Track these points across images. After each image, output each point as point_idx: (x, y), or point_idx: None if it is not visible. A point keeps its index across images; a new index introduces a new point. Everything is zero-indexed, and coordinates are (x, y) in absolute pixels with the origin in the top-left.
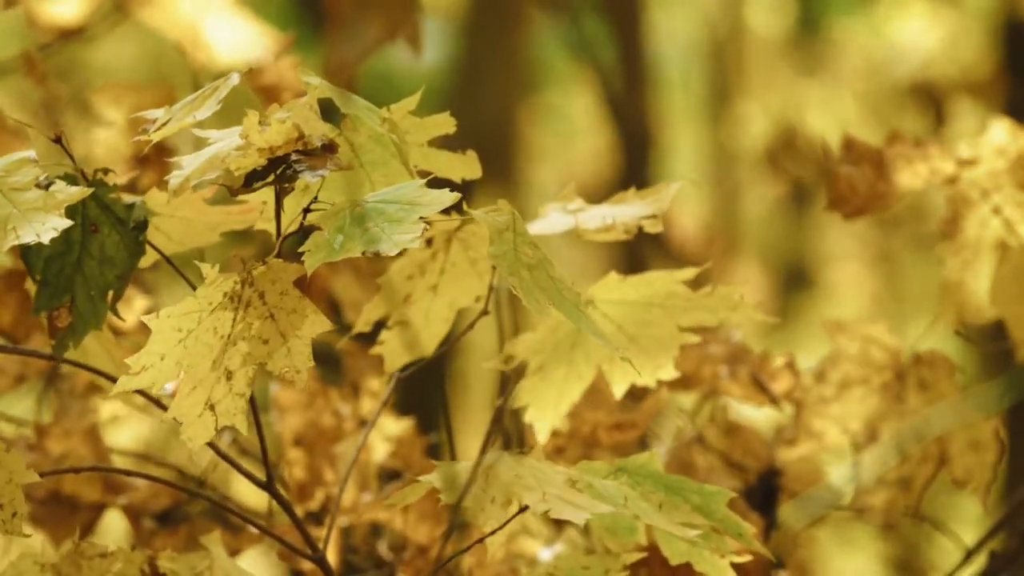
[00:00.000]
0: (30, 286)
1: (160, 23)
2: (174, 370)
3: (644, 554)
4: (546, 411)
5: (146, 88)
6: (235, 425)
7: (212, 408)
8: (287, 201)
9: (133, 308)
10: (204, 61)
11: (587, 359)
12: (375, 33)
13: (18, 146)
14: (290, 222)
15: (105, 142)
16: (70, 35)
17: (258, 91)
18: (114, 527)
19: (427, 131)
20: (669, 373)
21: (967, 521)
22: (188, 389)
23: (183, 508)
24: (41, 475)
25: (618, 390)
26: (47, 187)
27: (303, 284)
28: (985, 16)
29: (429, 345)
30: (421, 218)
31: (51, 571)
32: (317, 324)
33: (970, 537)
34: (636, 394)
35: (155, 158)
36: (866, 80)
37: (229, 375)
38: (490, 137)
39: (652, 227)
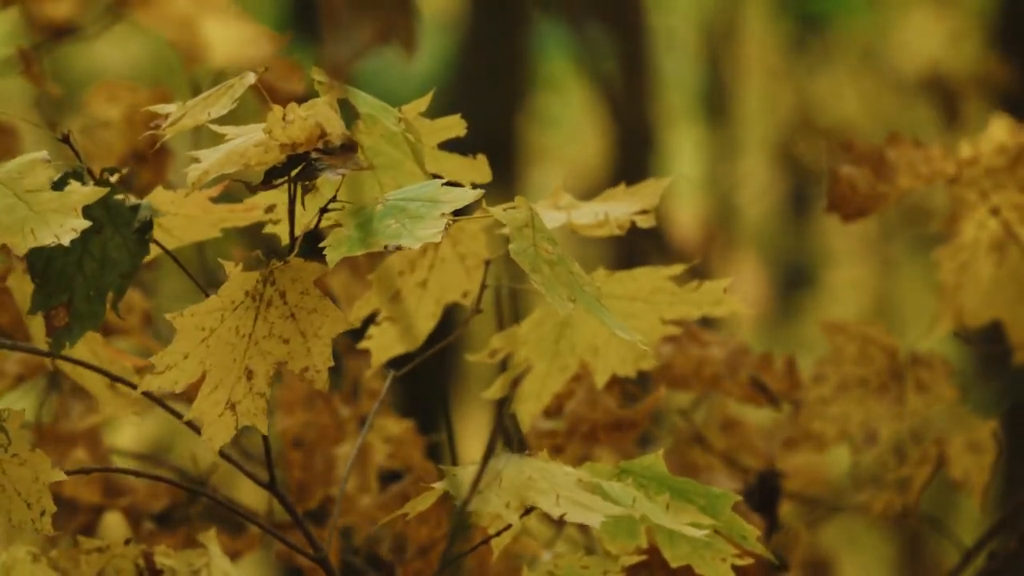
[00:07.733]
0: (19, 285)
1: (155, 23)
2: (197, 369)
3: (644, 556)
4: (528, 402)
5: (143, 87)
6: (255, 425)
7: (233, 408)
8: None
9: (133, 309)
10: (199, 61)
11: (571, 351)
12: (368, 34)
13: (12, 144)
14: (305, 223)
15: (101, 141)
16: (64, 33)
17: (251, 90)
18: (113, 530)
19: (437, 134)
20: (650, 362)
21: (967, 522)
22: (209, 389)
23: (183, 509)
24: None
25: (600, 380)
26: (61, 188)
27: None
28: (986, 13)
29: (416, 340)
30: (443, 215)
31: (47, 564)
32: (337, 324)
33: (969, 538)
34: (635, 394)
35: (152, 157)
36: (868, 79)
37: (250, 375)
38: (490, 138)
39: (644, 222)
